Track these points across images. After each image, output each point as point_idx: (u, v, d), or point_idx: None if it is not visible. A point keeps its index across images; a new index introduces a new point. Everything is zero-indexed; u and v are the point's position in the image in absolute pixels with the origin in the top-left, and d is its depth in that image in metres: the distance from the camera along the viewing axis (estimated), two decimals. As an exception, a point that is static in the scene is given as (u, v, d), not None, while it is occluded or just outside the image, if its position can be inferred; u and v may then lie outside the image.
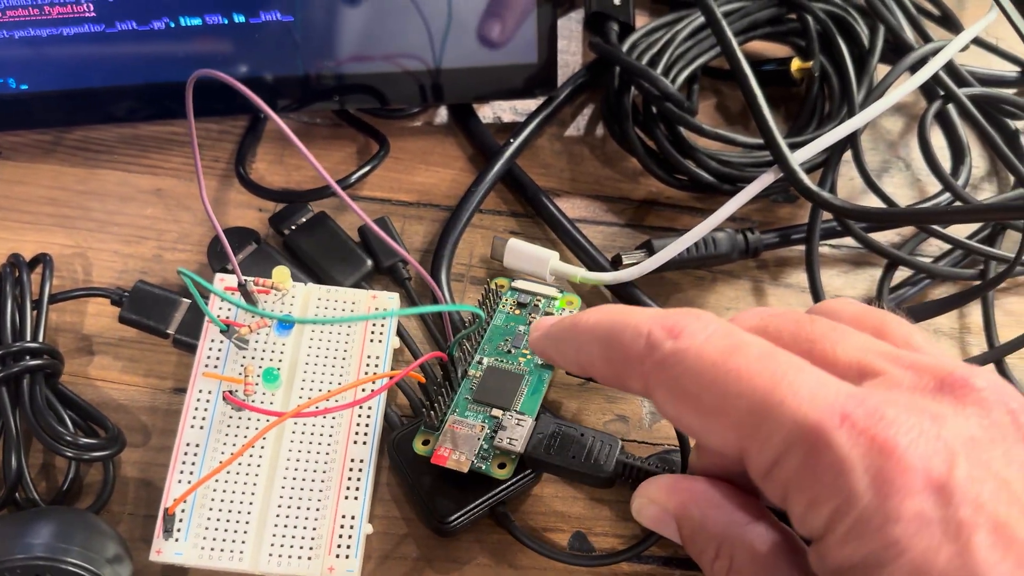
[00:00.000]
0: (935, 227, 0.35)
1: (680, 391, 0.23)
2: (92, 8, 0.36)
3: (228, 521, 0.29)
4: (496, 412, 0.30)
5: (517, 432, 0.30)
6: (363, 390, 0.31)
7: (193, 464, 0.30)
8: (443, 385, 0.31)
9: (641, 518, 0.26)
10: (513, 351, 0.32)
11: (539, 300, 0.33)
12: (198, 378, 0.31)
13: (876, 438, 0.20)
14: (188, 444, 0.30)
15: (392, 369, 0.32)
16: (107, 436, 0.31)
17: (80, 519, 0.28)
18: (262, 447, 0.30)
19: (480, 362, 0.32)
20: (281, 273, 0.32)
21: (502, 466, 0.29)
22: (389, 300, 0.33)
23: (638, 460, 0.29)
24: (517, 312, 0.33)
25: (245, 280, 0.32)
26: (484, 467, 0.29)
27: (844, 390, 0.21)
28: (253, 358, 0.32)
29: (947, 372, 0.22)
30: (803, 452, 0.20)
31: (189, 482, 0.29)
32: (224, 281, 0.33)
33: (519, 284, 0.34)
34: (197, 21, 0.37)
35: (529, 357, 0.32)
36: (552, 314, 0.33)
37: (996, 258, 0.35)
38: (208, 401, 0.31)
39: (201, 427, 0.30)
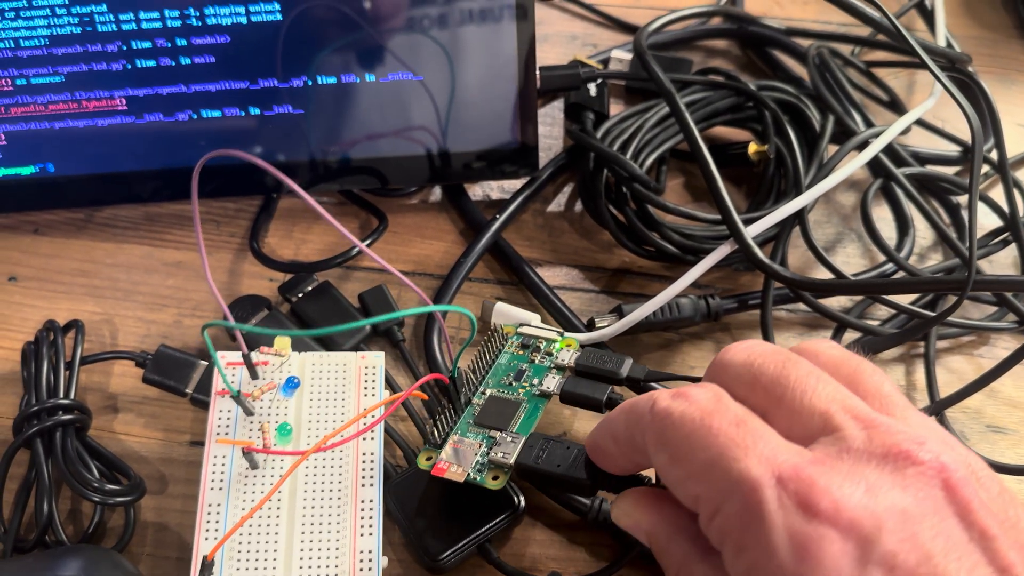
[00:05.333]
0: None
1: (664, 440, 0.25)
2: (124, 103, 0.41)
3: (257, 568, 0.31)
4: (494, 433, 0.33)
5: (510, 447, 0.33)
6: (366, 420, 0.34)
7: (217, 522, 0.32)
8: (446, 407, 0.34)
9: (620, 524, 0.29)
10: (514, 384, 0.35)
11: (541, 342, 0.37)
12: (212, 444, 0.34)
13: (804, 502, 0.22)
14: (210, 504, 0.33)
15: (386, 423, 0.36)
16: (129, 483, 0.34)
17: (105, 556, 0.31)
18: (279, 499, 0.33)
19: (484, 392, 0.35)
20: (282, 341, 0.36)
21: (496, 478, 0.32)
22: (376, 358, 0.36)
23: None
24: (520, 352, 0.37)
25: (248, 353, 0.35)
26: (479, 479, 0.32)
27: (792, 454, 0.23)
28: (263, 420, 0.35)
29: (895, 442, 0.23)
30: (739, 503, 0.23)
31: (215, 539, 0.32)
32: (227, 357, 0.36)
33: (524, 329, 0.37)
34: (217, 113, 0.41)
35: (528, 388, 0.35)
36: (552, 354, 0.36)
37: (928, 319, 0.38)
38: (224, 464, 0.34)
39: (220, 488, 0.33)
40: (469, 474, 0.32)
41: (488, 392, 0.35)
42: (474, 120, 0.42)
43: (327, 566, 0.32)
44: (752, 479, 0.23)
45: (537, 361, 0.36)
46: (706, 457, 0.24)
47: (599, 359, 0.36)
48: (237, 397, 0.34)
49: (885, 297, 0.39)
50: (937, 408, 0.38)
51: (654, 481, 0.31)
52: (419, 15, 0.40)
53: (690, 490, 0.25)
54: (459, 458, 0.33)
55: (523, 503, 0.34)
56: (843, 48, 0.49)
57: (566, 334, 0.38)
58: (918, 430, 0.24)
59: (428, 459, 0.33)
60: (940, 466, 0.23)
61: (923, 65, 0.39)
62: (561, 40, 0.53)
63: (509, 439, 0.33)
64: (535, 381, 0.35)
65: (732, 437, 0.24)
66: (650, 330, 0.40)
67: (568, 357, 0.36)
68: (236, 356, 0.35)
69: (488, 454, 0.33)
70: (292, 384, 0.35)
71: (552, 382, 0.35)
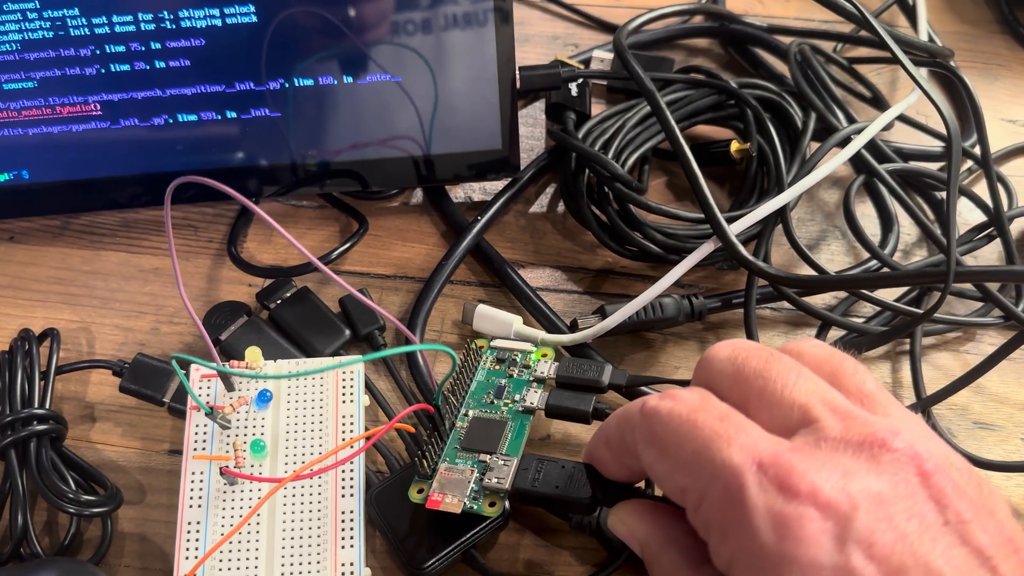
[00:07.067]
0: (863, 291, 0.39)
1: (653, 437, 0.26)
2: (99, 107, 0.40)
3: (239, 585, 0.31)
4: (483, 457, 0.33)
5: (503, 471, 0.32)
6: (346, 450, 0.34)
7: (197, 540, 0.32)
8: (432, 436, 0.33)
9: (615, 532, 0.30)
10: (495, 402, 0.35)
11: (516, 354, 0.36)
12: (189, 461, 0.33)
13: (783, 485, 0.23)
14: (190, 522, 0.32)
15: (366, 426, 0.35)
16: (106, 494, 0.33)
17: (82, 568, 0.31)
18: (258, 513, 0.32)
19: (466, 414, 0.34)
20: (253, 353, 0.34)
21: (492, 504, 0.31)
22: (354, 363, 0.35)
23: (616, 483, 0.32)
24: (497, 367, 0.36)
25: (222, 367, 0.34)
26: (476, 507, 0.31)
27: (771, 443, 0.24)
28: (238, 434, 0.34)
29: (871, 431, 0.24)
30: (721, 489, 0.24)
31: (196, 557, 0.31)
32: (200, 370, 0.35)
33: (497, 343, 0.37)
34: (193, 117, 0.41)
35: (511, 405, 0.35)
36: (529, 366, 0.36)
37: (913, 315, 0.38)
38: (202, 480, 0.33)
39: (199, 505, 0.33)
40: (465, 503, 0.31)
41: (471, 413, 0.35)
42: (455, 122, 0.42)
43: (309, 578, 0.31)
44: (734, 465, 0.23)
45: (515, 375, 0.36)
46: (692, 449, 0.25)
47: (579, 368, 0.35)
48: (210, 414, 0.33)
49: (870, 294, 0.39)
50: (923, 405, 0.37)
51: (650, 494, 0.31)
52: (399, 19, 0.40)
53: (677, 482, 0.25)
54: (452, 488, 0.32)
55: (508, 509, 0.33)
56: (825, 45, 0.49)
57: (540, 343, 0.38)
58: (894, 422, 0.25)
59: (420, 491, 0.32)
60: (914, 454, 0.23)
61: (896, 60, 0.39)
62: (542, 40, 0.52)
63: (501, 462, 0.33)
64: (516, 397, 0.35)
65: (716, 430, 0.25)
66: (633, 331, 0.39)
67: (547, 368, 0.36)
68: (212, 367, 0.35)
69: (481, 480, 0.32)
70: (265, 398, 0.35)
71: (534, 397, 0.35)
